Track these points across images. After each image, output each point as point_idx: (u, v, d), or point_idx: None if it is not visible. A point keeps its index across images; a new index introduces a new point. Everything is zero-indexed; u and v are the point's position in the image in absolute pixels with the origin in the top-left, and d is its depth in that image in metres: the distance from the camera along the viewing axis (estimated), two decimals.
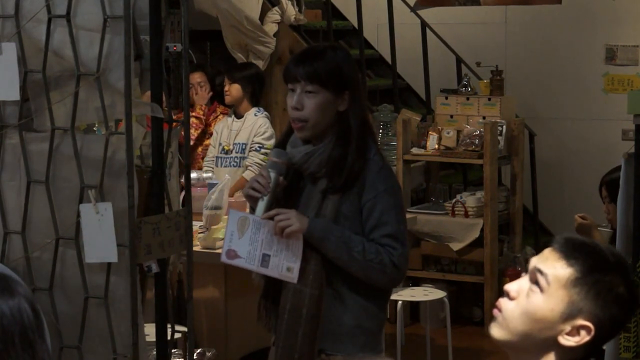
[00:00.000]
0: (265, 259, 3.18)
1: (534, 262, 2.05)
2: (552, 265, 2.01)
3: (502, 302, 2.05)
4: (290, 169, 3.24)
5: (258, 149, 6.34)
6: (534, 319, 2.01)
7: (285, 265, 3.17)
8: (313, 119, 3.18)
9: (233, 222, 3.24)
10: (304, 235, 3.13)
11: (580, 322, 1.99)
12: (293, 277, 3.15)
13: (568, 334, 2.00)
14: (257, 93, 6.56)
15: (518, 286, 2.05)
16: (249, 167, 6.31)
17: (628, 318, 2.06)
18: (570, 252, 2.01)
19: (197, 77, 6.85)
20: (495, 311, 2.07)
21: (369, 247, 3.12)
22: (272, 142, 6.35)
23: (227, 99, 6.50)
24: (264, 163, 6.28)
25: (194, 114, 6.76)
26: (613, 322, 2.02)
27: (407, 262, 3.20)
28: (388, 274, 3.14)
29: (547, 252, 2.04)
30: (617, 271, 2.02)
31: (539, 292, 2.01)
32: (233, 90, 6.46)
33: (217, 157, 6.47)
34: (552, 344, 2.02)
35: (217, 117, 6.85)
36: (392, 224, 3.15)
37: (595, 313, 1.99)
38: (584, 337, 2.00)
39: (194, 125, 6.77)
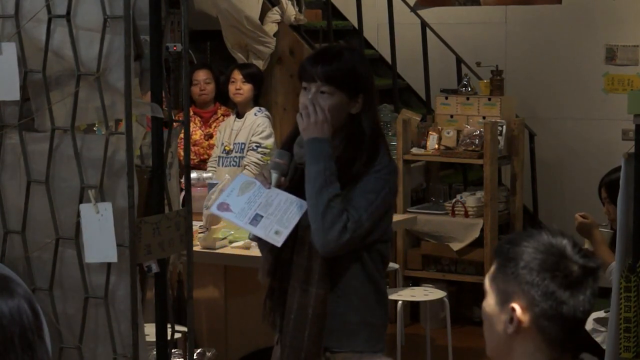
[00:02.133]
0: (256, 219, 3.14)
1: None
2: (491, 267, 2.13)
3: None
4: (298, 170, 3.24)
5: (255, 148, 6.34)
6: (486, 320, 2.11)
7: (275, 228, 3.12)
8: None
9: (237, 182, 3.23)
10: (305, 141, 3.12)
11: (511, 304, 2.04)
12: (279, 240, 3.11)
13: (508, 321, 2.05)
14: (258, 93, 6.58)
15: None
16: (247, 167, 6.32)
17: (567, 286, 2.04)
18: (498, 247, 2.12)
19: (202, 75, 6.84)
20: None
21: (339, 200, 3.08)
22: (269, 141, 6.35)
23: (239, 98, 6.47)
24: (261, 162, 6.28)
25: (210, 130, 6.78)
26: (547, 295, 2.02)
27: (356, 233, 3.09)
28: (336, 230, 3.06)
29: None
30: (525, 245, 2.05)
31: (485, 298, 2.11)
32: (246, 90, 6.46)
33: (219, 157, 6.48)
34: (511, 339, 2.06)
35: (217, 118, 6.85)
36: (360, 203, 3.10)
37: (520, 291, 2.04)
38: (517, 320, 2.03)
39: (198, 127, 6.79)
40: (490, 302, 2.09)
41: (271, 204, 3.16)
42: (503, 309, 2.06)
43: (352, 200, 3.12)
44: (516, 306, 2.03)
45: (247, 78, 6.47)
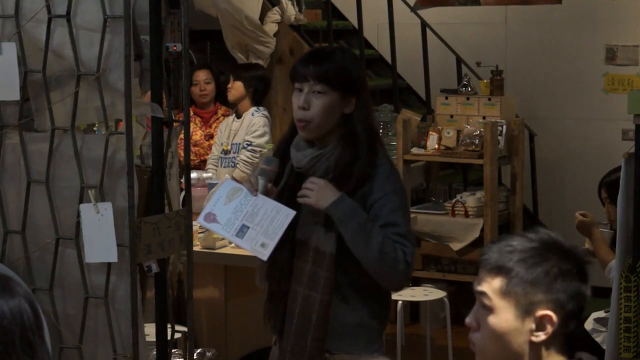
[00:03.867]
0: (242, 230, 3.12)
1: (474, 286, 2.14)
2: (486, 282, 2.10)
3: (471, 336, 2.15)
4: (293, 173, 3.23)
5: (246, 146, 6.33)
6: (499, 337, 2.08)
7: (261, 241, 3.09)
8: (318, 119, 3.16)
9: (225, 189, 3.19)
10: (326, 212, 3.11)
11: (539, 312, 2.04)
12: (265, 254, 3.09)
13: (536, 330, 2.05)
14: (260, 95, 6.54)
15: (473, 316, 2.15)
16: (238, 165, 6.31)
17: (582, 277, 2.07)
18: (494, 261, 2.09)
19: (202, 75, 6.85)
20: (471, 347, 2.15)
21: (387, 241, 3.09)
22: (262, 140, 6.33)
23: (229, 96, 6.50)
24: (250, 160, 6.26)
25: (210, 130, 6.82)
26: (572, 296, 2.04)
27: (413, 256, 3.15)
28: (400, 271, 3.09)
29: (480, 272, 2.13)
30: (543, 252, 2.06)
31: (490, 312, 2.09)
32: (235, 88, 6.47)
33: (219, 158, 6.48)
34: (531, 347, 2.06)
35: (218, 118, 6.85)
36: (401, 224, 3.13)
37: (547, 299, 2.04)
38: (550, 326, 2.04)
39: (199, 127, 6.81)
40: (506, 317, 2.07)
41: (257, 213, 3.12)
42: (526, 319, 2.05)
43: (390, 226, 3.11)
44: (547, 313, 2.03)
45: (236, 76, 6.53)
